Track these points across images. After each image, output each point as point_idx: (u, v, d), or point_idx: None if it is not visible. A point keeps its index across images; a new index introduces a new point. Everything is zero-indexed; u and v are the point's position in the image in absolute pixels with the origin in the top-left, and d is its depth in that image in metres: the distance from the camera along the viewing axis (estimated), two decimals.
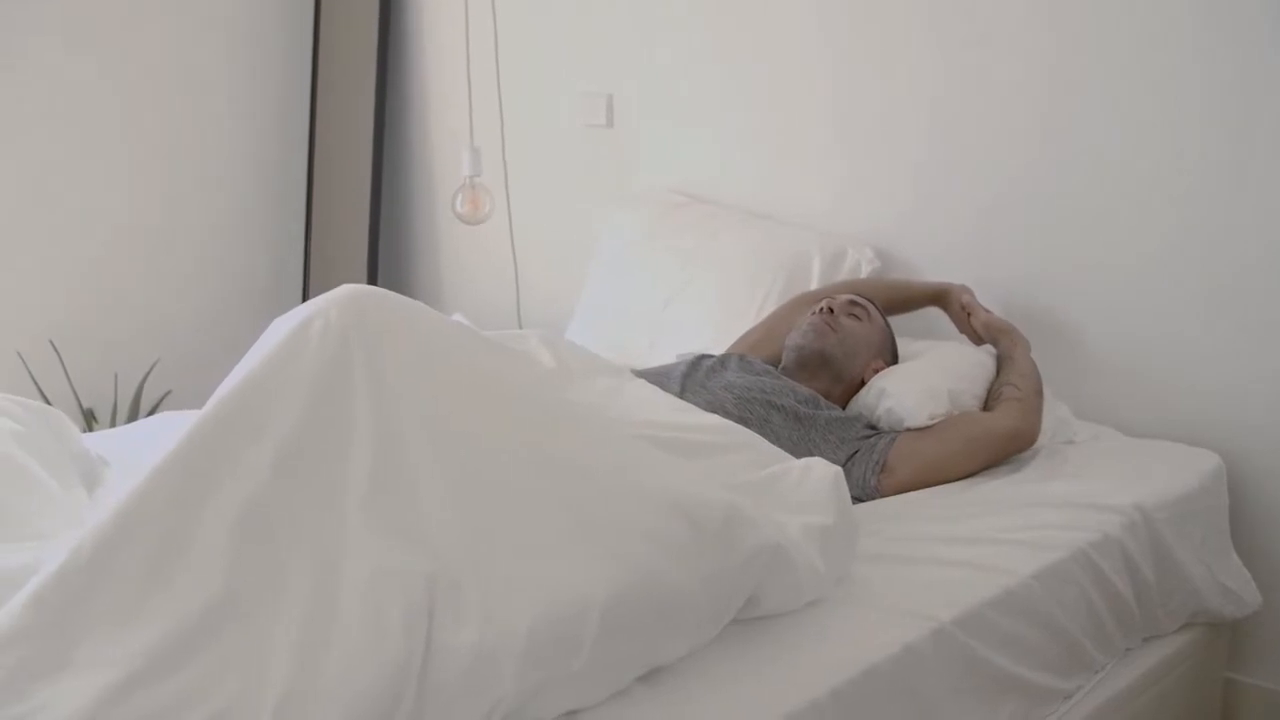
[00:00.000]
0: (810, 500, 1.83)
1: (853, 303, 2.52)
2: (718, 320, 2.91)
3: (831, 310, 2.48)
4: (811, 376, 2.43)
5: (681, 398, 2.25)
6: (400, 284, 4.14)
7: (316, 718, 1.29)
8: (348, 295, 1.67)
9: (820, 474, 1.88)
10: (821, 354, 2.43)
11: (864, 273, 2.93)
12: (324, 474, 1.52)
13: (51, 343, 3.67)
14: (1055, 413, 2.53)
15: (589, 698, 1.47)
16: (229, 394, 1.57)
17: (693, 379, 2.39)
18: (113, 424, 3.64)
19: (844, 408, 2.43)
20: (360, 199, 4.09)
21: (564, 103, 3.65)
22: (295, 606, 1.40)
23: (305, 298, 4.23)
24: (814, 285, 2.87)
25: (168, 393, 3.79)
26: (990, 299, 2.74)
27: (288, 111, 4.23)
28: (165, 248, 3.99)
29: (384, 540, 1.46)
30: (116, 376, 3.78)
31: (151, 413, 3.64)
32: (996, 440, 2.34)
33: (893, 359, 2.54)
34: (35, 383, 3.55)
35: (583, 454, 1.66)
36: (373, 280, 4.10)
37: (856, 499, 2.05)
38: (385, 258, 4.18)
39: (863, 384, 2.46)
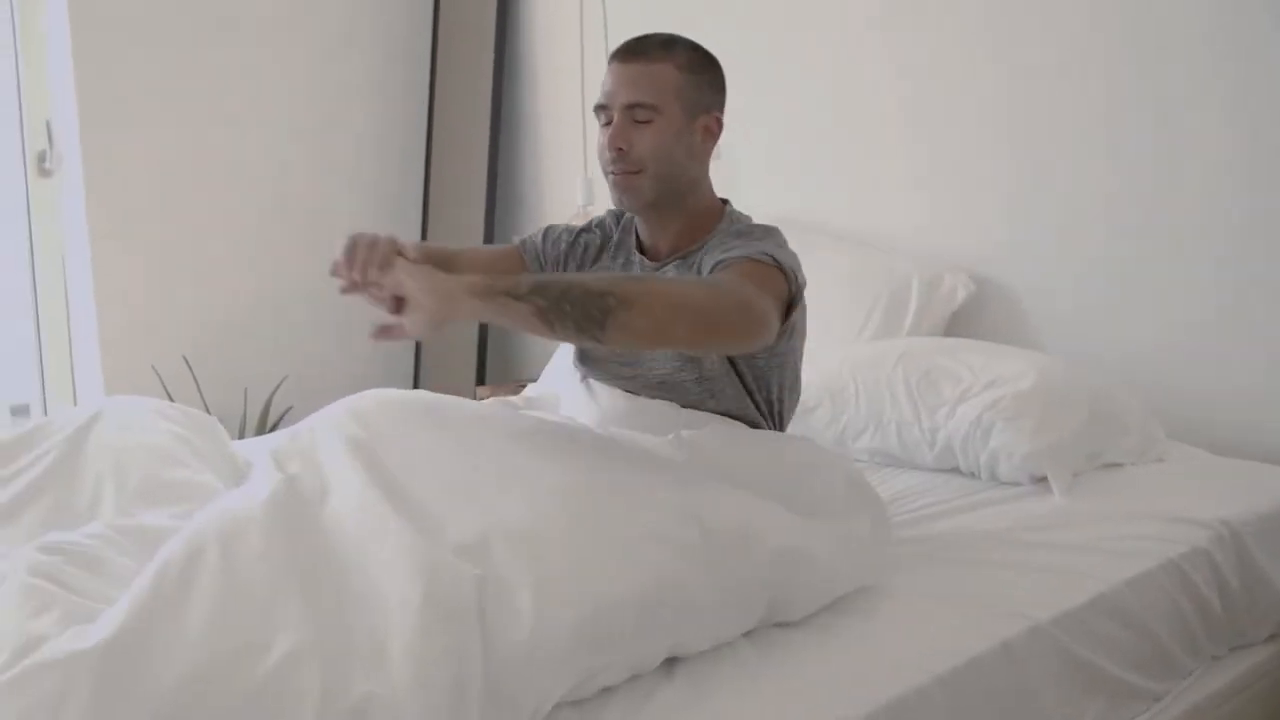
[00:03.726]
0: (829, 502, 1.92)
1: (630, 106, 2.02)
2: (819, 338, 2.99)
3: (621, 149, 2.03)
4: (661, 220, 2.13)
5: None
6: None
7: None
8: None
9: (828, 477, 1.96)
10: (647, 205, 2.09)
11: (960, 298, 3.00)
12: (383, 509, 1.64)
13: (185, 358, 3.87)
14: (1146, 431, 2.60)
15: (617, 680, 1.58)
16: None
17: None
18: (240, 437, 3.80)
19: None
20: (474, 226, 4.20)
21: None
22: (364, 619, 1.47)
23: None
24: (912, 307, 2.97)
25: (289, 409, 3.96)
26: (1078, 317, 2.83)
27: (405, 141, 4.39)
28: (291, 271, 4.16)
29: (438, 554, 1.55)
30: (246, 392, 3.96)
31: (274, 428, 3.81)
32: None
33: (721, 88, 2.12)
34: (169, 396, 3.71)
35: (609, 476, 1.77)
36: None
37: None
38: None
39: (708, 151, 2.12)
